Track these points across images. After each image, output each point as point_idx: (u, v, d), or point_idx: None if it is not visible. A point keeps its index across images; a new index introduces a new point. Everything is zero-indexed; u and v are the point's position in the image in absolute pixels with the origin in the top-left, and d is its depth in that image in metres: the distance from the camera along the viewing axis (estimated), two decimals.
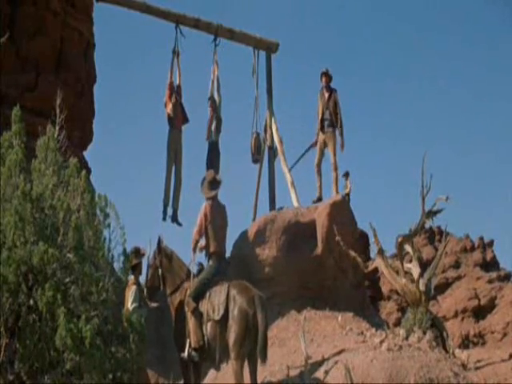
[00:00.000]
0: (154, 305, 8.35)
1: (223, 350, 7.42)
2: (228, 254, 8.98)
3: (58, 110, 7.40)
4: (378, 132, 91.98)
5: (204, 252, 8.31)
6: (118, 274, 6.56)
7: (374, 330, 9.16)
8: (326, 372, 7.65)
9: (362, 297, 10.82)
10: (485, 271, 38.84)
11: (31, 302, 5.76)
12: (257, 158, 12.04)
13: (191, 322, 7.69)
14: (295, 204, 11.23)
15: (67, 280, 5.92)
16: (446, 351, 8.60)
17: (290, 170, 11.70)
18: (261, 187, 12.01)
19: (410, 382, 7.30)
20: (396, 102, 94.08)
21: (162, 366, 13.41)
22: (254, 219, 11.29)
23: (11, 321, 5.77)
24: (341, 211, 10.25)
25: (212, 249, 8.17)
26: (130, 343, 5.98)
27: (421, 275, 9.28)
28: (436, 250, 33.27)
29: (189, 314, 7.75)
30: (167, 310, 8.52)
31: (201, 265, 8.32)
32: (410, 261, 9.60)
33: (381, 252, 9.58)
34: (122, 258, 6.41)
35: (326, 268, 9.97)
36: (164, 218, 11.15)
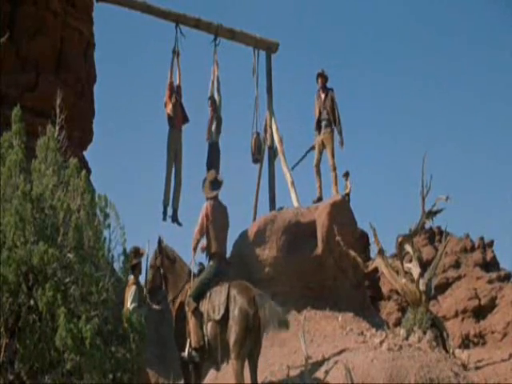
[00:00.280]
0: (156, 307, 8.34)
1: (223, 350, 7.41)
2: (228, 254, 8.97)
3: (58, 110, 7.39)
4: (378, 132, 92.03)
5: (205, 252, 8.31)
6: (118, 273, 6.56)
7: (374, 330, 9.16)
8: (327, 372, 7.65)
9: (362, 297, 10.82)
10: (485, 271, 38.85)
11: (31, 302, 5.76)
12: (257, 157, 12.03)
13: (191, 322, 7.69)
14: (295, 204, 11.23)
15: (67, 280, 5.92)
16: (447, 351, 8.60)
17: (291, 170, 11.70)
18: (261, 187, 12.01)
19: (410, 382, 7.30)
20: (396, 102, 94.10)
21: (162, 365, 13.43)
22: (254, 219, 11.28)
23: (11, 321, 5.77)
24: (341, 211, 10.25)
25: (213, 249, 8.17)
26: (130, 343, 5.98)
27: (421, 275, 9.28)
28: (436, 250, 33.29)
29: (189, 314, 7.75)
30: (167, 309, 8.52)
31: (201, 265, 8.32)
32: (410, 261, 9.60)
33: (381, 252, 9.58)
34: (121, 258, 6.41)
35: (326, 268, 9.97)
36: (164, 218, 11.14)
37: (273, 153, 11.92)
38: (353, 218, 10.60)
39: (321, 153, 11.30)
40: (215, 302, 7.56)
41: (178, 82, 11.58)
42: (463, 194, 65.73)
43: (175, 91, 11.48)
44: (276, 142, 11.83)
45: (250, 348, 7.32)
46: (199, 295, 7.76)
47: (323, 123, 11.26)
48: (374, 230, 9.66)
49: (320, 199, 11.04)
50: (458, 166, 78.63)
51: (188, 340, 7.74)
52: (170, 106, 11.29)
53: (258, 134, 12.10)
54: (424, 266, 9.96)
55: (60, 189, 6.37)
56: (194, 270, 8.26)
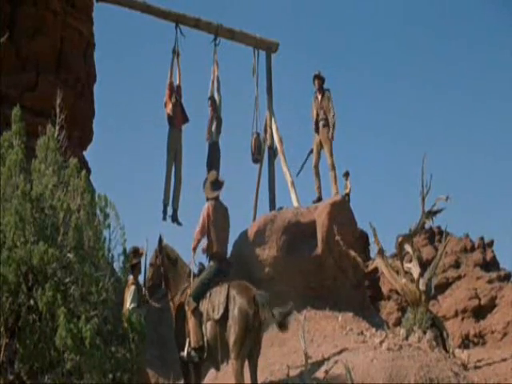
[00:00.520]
0: (156, 305, 8.35)
1: (223, 350, 7.42)
2: (228, 254, 8.98)
3: (58, 110, 7.38)
4: (378, 132, 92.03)
5: (205, 253, 8.31)
6: (117, 273, 6.56)
7: (374, 329, 9.17)
8: (327, 372, 7.65)
9: (362, 297, 10.82)
10: (485, 271, 38.87)
11: (31, 302, 5.76)
12: (257, 157, 12.03)
13: (191, 322, 7.70)
14: (295, 204, 11.23)
15: (67, 280, 5.91)
16: (446, 351, 8.60)
17: (296, 176, 11.70)
18: (261, 187, 12.01)
19: (410, 382, 7.30)
20: (396, 102, 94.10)
21: (162, 365, 13.43)
22: (254, 219, 11.28)
23: (11, 321, 5.77)
24: (341, 211, 10.26)
25: (213, 249, 8.17)
26: (130, 343, 5.98)
27: (421, 275, 9.29)
28: (436, 250, 33.30)
29: (189, 314, 7.75)
30: (167, 310, 8.53)
31: (202, 265, 8.32)
32: (410, 261, 9.60)
33: (381, 252, 9.59)
34: (121, 258, 6.40)
35: (326, 268, 9.97)
36: (164, 218, 11.14)
37: (273, 153, 11.92)
38: (353, 217, 10.60)
39: (319, 153, 11.30)
40: (215, 301, 7.56)
41: (178, 82, 11.58)
42: (463, 194, 65.81)
43: (175, 91, 11.48)
44: (276, 142, 11.83)
45: (249, 348, 7.32)
46: (199, 295, 7.77)
47: (321, 123, 11.27)
48: (374, 229, 9.67)
49: (320, 199, 11.04)
50: (458, 166, 78.69)
51: (187, 340, 7.74)
52: (170, 106, 11.30)
53: (258, 134, 12.10)
54: (424, 265, 9.97)
55: (60, 189, 6.37)
56: (194, 269, 8.26)
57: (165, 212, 11.15)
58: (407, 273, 9.45)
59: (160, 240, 8.33)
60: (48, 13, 18.38)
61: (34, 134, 7.22)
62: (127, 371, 5.89)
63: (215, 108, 11.64)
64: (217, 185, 8.51)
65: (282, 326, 7.17)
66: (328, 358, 7.96)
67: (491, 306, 36.33)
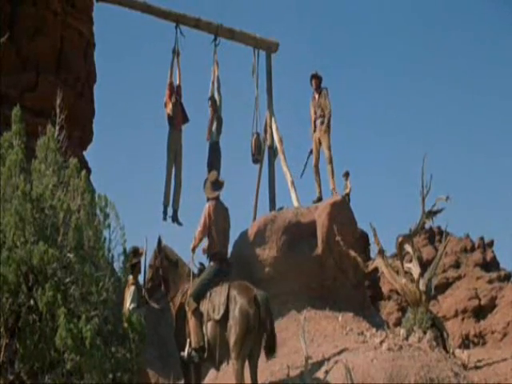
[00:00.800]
0: (155, 305, 8.34)
1: (223, 350, 7.42)
2: (228, 254, 8.98)
3: (58, 110, 7.38)
4: (378, 132, 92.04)
5: (206, 253, 8.31)
6: (117, 273, 6.56)
7: (374, 329, 9.16)
8: (327, 372, 7.65)
9: (362, 297, 10.81)
10: (485, 271, 38.88)
11: (31, 302, 5.76)
12: (257, 158, 12.03)
13: (191, 323, 7.69)
14: (295, 204, 11.23)
15: (67, 280, 5.91)
16: (447, 351, 8.60)
17: (300, 178, 11.71)
18: (261, 187, 12.01)
19: (410, 382, 7.30)
20: (396, 102, 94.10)
21: (163, 366, 13.43)
22: (254, 219, 11.28)
23: (11, 321, 5.77)
24: (341, 211, 10.25)
25: (214, 250, 8.18)
26: (130, 343, 5.98)
27: (421, 275, 9.28)
28: (436, 250, 33.30)
29: (189, 314, 7.75)
30: (167, 310, 8.53)
31: (202, 265, 8.32)
32: (410, 261, 9.60)
33: (381, 252, 9.59)
34: (121, 258, 6.40)
35: (326, 268, 9.97)
36: (164, 218, 11.14)
37: (273, 153, 11.92)
38: (353, 217, 10.60)
39: (319, 152, 11.30)
40: (215, 301, 7.56)
41: (178, 81, 11.58)
42: (463, 194, 65.81)
43: (175, 91, 11.48)
44: (276, 142, 11.83)
45: (250, 348, 7.33)
46: (199, 295, 7.77)
47: (318, 121, 11.28)
48: (374, 230, 9.67)
49: (320, 199, 11.04)
50: (458, 166, 78.68)
51: (188, 340, 7.74)
52: (170, 106, 11.29)
53: (258, 134, 12.10)
54: (424, 265, 9.96)
55: (60, 189, 6.37)
56: (194, 269, 8.26)
57: (165, 212, 11.15)
58: (407, 273, 9.45)
59: (159, 241, 8.33)
60: (48, 13, 18.37)
61: (34, 134, 7.22)
62: (127, 371, 5.89)
63: (215, 108, 11.63)
64: (217, 185, 8.52)
65: (270, 352, 7.26)
66: (328, 358, 7.95)
67: (491, 306, 36.34)
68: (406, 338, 8.73)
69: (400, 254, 9.62)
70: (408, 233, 9.62)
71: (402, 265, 9.49)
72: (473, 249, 40.38)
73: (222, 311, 7.44)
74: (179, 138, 11.37)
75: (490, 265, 39.67)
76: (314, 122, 11.35)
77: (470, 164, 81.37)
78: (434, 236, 40.36)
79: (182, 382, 8.42)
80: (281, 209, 11.06)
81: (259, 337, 7.40)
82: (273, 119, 12.03)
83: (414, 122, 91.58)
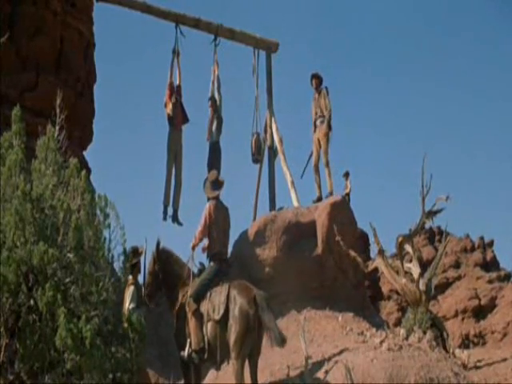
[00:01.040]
0: (153, 307, 8.33)
1: (223, 350, 7.42)
2: (228, 254, 8.98)
3: (58, 110, 7.38)
4: (378, 132, 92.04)
5: (206, 252, 8.31)
6: (117, 273, 6.56)
7: (374, 329, 9.16)
8: (327, 372, 7.65)
9: (362, 297, 10.81)
10: (485, 271, 38.85)
11: (31, 302, 5.76)
12: (257, 158, 12.04)
13: (192, 323, 7.69)
14: (295, 204, 11.23)
15: (67, 280, 5.91)
16: (446, 351, 8.61)
17: (300, 178, 11.71)
18: (261, 187, 12.01)
19: (410, 382, 7.30)
20: (396, 102, 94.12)
21: (162, 365, 13.42)
22: (254, 219, 11.28)
23: (11, 321, 5.77)
24: (341, 211, 10.25)
25: (214, 250, 8.17)
26: (130, 343, 5.98)
27: (421, 275, 9.29)
28: (436, 250, 33.27)
29: (189, 315, 7.75)
30: (167, 310, 8.52)
31: (202, 265, 8.31)
32: (410, 261, 9.61)
33: (381, 252, 9.59)
34: (121, 258, 6.40)
35: (326, 268, 9.97)
36: (164, 218, 11.14)
37: (273, 153, 11.92)
38: (353, 217, 10.59)
39: (319, 152, 11.31)
40: (215, 301, 7.56)
41: (178, 82, 11.58)
42: (463, 194, 65.78)
43: (175, 91, 11.48)
44: (276, 142, 11.83)
45: (250, 348, 7.32)
46: (199, 296, 7.77)
47: (318, 121, 11.30)
48: (374, 230, 9.68)
49: (320, 199, 11.04)
50: (458, 166, 78.66)
51: (188, 340, 7.74)
52: (170, 106, 11.29)
53: (258, 134, 12.11)
54: (424, 265, 9.97)
55: (60, 189, 6.36)
56: (193, 268, 8.25)
57: (165, 212, 11.15)
58: (407, 273, 9.46)
59: (158, 244, 8.30)
60: (48, 13, 18.37)
61: (34, 134, 7.22)
62: (127, 371, 5.89)
63: (216, 108, 11.63)
64: (217, 184, 8.52)
65: (279, 341, 7.19)
66: (328, 358, 7.95)
67: (491, 306, 36.31)
68: (406, 338, 8.73)
69: (400, 254, 9.62)
70: (408, 233, 9.62)
71: (402, 265, 9.49)
72: (473, 249, 40.36)
73: (221, 311, 7.44)
74: (179, 138, 11.37)
75: (490, 265, 39.64)
76: (315, 122, 11.36)
77: (470, 164, 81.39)
78: (434, 236, 40.33)
79: (182, 382, 8.42)
80: (281, 209, 11.06)
81: (259, 336, 7.40)
82: (273, 119, 12.03)
83: (414, 122, 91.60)
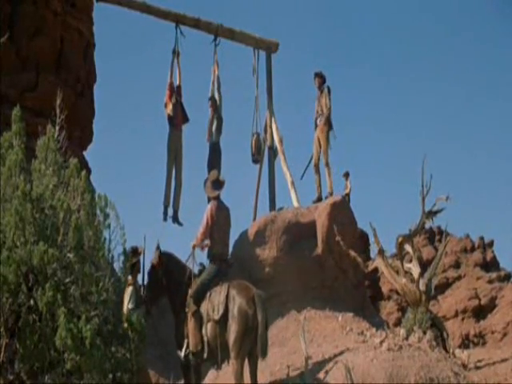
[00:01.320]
0: (154, 309, 8.31)
1: (223, 350, 7.42)
2: (228, 255, 8.97)
3: (58, 110, 7.38)
4: (378, 132, 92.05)
5: (206, 252, 8.31)
6: (117, 273, 6.56)
7: (374, 329, 9.16)
8: (327, 372, 7.65)
9: (362, 297, 10.81)
10: (485, 271, 38.83)
11: (31, 302, 5.76)
12: (257, 158, 12.04)
13: (190, 324, 7.70)
14: (295, 204, 11.23)
15: (67, 280, 5.91)
16: (446, 351, 8.61)
17: (300, 179, 11.72)
18: (261, 187, 12.02)
19: (410, 382, 7.30)
20: (396, 102, 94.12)
21: (163, 365, 13.41)
22: (254, 219, 11.28)
23: (11, 321, 5.77)
24: (341, 211, 10.25)
25: (215, 250, 8.17)
26: (130, 343, 5.98)
27: (421, 275, 9.29)
28: (436, 250, 33.25)
29: (189, 316, 7.75)
30: (167, 310, 8.52)
31: (202, 265, 8.31)
32: (410, 261, 9.61)
33: (381, 252, 9.59)
34: (121, 258, 6.40)
35: (326, 268, 9.97)
36: (165, 219, 11.14)
37: (273, 153, 11.92)
38: (353, 218, 10.60)
39: (318, 151, 11.30)
40: (215, 302, 7.57)
41: (178, 82, 11.58)
42: (463, 194, 65.75)
43: (175, 91, 11.48)
44: (276, 142, 11.84)
45: (249, 347, 7.32)
46: (199, 297, 7.77)
47: (318, 120, 11.30)
48: (374, 230, 9.68)
49: (320, 199, 11.05)
50: (458, 166, 78.62)
51: (186, 341, 7.74)
52: (170, 106, 11.29)
53: (258, 134, 12.12)
54: (424, 266, 9.97)
55: (60, 189, 6.37)
56: (191, 266, 8.23)
57: (165, 213, 11.15)
58: (407, 273, 9.46)
59: (158, 248, 8.26)
60: (48, 13, 18.35)
61: (34, 134, 7.22)
62: (127, 371, 5.89)
63: (216, 108, 11.64)
64: (217, 184, 8.51)
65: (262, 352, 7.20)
66: (328, 358, 7.95)
67: (491, 306, 36.30)
68: (406, 338, 8.73)
69: (400, 254, 9.62)
70: (408, 233, 9.62)
71: (402, 265, 9.49)
72: (473, 249, 40.34)
73: (221, 311, 7.45)
74: (179, 138, 11.37)
75: (490, 265, 39.62)
76: (315, 120, 11.37)
77: (470, 164, 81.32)
78: (434, 236, 40.31)
79: (182, 382, 8.42)
80: (281, 209, 11.06)
81: (255, 331, 7.38)
82: (273, 119, 12.04)
83: (414, 122, 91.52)
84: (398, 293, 14.22)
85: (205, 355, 7.62)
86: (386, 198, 79.01)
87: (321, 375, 7.66)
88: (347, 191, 15.55)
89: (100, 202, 6.33)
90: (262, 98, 12.26)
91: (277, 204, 11.70)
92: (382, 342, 8.22)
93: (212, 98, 11.70)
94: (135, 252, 8.17)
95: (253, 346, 7.34)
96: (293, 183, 11.53)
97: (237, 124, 14.87)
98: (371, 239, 11.36)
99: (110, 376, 5.74)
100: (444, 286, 37.59)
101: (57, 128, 7.11)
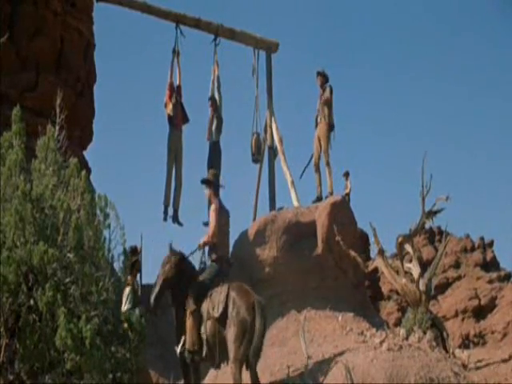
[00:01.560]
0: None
1: (222, 349, 7.42)
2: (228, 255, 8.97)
3: (58, 110, 7.39)
4: (378, 132, 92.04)
5: (207, 251, 8.30)
6: (117, 273, 6.56)
7: (374, 329, 9.16)
8: (327, 372, 7.64)
9: (362, 297, 10.81)
10: (485, 271, 38.83)
11: (31, 302, 5.76)
12: (257, 158, 12.04)
13: (189, 323, 7.68)
14: (295, 204, 11.22)
15: (67, 280, 5.92)
16: (446, 351, 8.60)
17: (299, 178, 11.71)
18: (261, 187, 12.01)
19: (410, 382, 7.30)
20: (396, 102, 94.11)
21: (163, 365, 13.41)
22: (254, 219, 11.28)
23: (11, 321, 5.77)
24: (341, 211, 10.25)
25: (218, 252, 8.17)
26: (130, 343, 5.98)
27: (421, 275, 9.28)
28: (436, 250, 33.26)
29: (188, 314, 7.74)
30: (167, 310, 8.51)
31: (203, 263, 8.30)
32: (410, 261, 9.60)
33: (381, 252, 9.58)
34: (121, 258, 6.41)
35: (326, 268, 9.97)
36: (165, 219, 11.14)
37: (273, 153, 11.92)
38: (353, 217, 10.59)
39: (319, 150, 11.29)
40: (215, 300, 7.57)
41: (178, 82, 11.57)
42: (463, 194, 65.74)
43: (175, 91, 11.47)
44: (276, 142, 11.83)
45: (247, 352, 7.30)
46: (200, 296, 7.76)
47: (319, 118, 11.28)
48: (374, 230, 9.66)
49: (320, 199, 11.04)
50: (458, 166, 78.60)
51: (183, 338, 7.73)
52: (170, 106, 11.28)
53: (257, 134, 12.11)
54: (424, 265, 9.96)
55: (60, 189, 6.37)
56: (194, 262, 8.23)
57: (165, 213, 11.14)
58: (407, 273, 9.45)
59: (172, 248, 8.17)
60: (48, 13, 18.35)
61: (34, 134, 7.22)
62: (127, 371, 5.90)
63: (216, 108, 11.64)
64: (205, 181, 8.59)
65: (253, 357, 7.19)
66: (328, 358, 7.95)
67: (491, 306, 36.30)
68: (406, 338, 8.73)
69: (400, 254, 9.61)
70: (408, 233, 9.62)
71: (402, 265, 9.48)
72: (473, 249, 40.34)
73: (221, 310, 7.44)
74: (179, 138, 11.36)
75: (490, 265, 39.62)
76: (316, 118, 11.35)
77: (470, 164, 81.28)
78: (434, 236, 40.30)
79: (182, 382, 8.42)
80: (281, 209, 11.06)
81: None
82: (273, 119, 12.03)
83: (414, 122, 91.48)
84: (397, 293, 14.22)
85: (203, 353, 7.62)
86: (386, 198, 79.03)
87: (321, 375, 7.66)
88: (347, 191, 15.55)
89: (100, 202, 6.33)
90: (262, 97, 12.27)
91: (277, 204, 11.71)
92: (382, 342, 8.22)
93: (212, 98, 11.70)
94: (134, 251, 8.17)
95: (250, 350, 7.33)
96: (293, 183, 11.52)
97: (237, 124, 14.87)
98: (371, 239, 11.38)
99: (110, 376, 5.75)
100: (444, 286, 37.60)
101: (57, 128, 7.11)
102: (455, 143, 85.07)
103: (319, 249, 9.91)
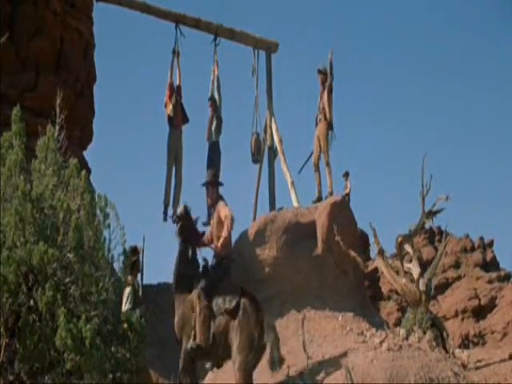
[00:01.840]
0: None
1: (225, 349, 7.42)
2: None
3: (58, 110, 7.38)
4: (378, 132, 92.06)
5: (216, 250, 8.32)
6: (117, 273, 6.56)
7: (374, 330, 9.16)
8: (327, 372, 7.64)
9: (362, 297, 10.81)
10: (485, 271, 38.84)
11: (31, 302, 5.76)
12: (257, 158, 12.04)
13: (199, 319, 7.63)
14: (295, 204, 11.23)
15: (67, 280, 5.91)
16: (446, 351, 8.60)
17: (298, 174, 11.70)
18: (261, 187, 12.02)
19: (410, 382, 7.30)
20: (396, 102, 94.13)
21: (162, 366, 13.42)
22: (254, 219, 11.28)
23: (11, 321, 5.77)
24: (341, 211, 10.25)
25: (223, 254, 8.19)
26: (130, 343, 5.98)
27: (421, 275, 9.28)
28: (436, 250, 33.27)
29: (198, 310, 7.68)
30: (167, 310, 8.51)
31: (205, 260, 8.30)
32: (410, 261, 9.60)
33: (381, 252, 9.58)
34: (121, 258, 6.41)
35: (326, 268, 9.96)
36: (165, 219, 11.15)
37: (273, 153, 11.92)
38: (353, 217, 10.59)
39: (318, 149, 11.27)
40: (226, 297, 7.56)
41: (178, 82, 11.58)
42: (463, 194, 65.73)
43: (175, 91, 11.48)
44: (276, 142, 11.84)
45: (254, 364, 7.30)
46: (209, 291, 7.74)
47: (319, 117, 11.26)
48: (374, 230, 9.67)
49: (320, 199, 11.03)
50: (458, 166, 78.61)
51: (193, 332, 7.67)
52: (170, 107, 11.29)
53: (257, 134, 12.12)
54: (424, 266, 9.96)
55: (60, 189, 6.37)
56: (200, 260, 8.27)
57: (165, 213, 11.15)
58: (407, 273, 9.45)
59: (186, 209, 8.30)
60: (48, 13, 18.36)
61: (34, 134, 7.21)
62: (127, 371, 5.89)
63: (215, 108, 11.64)
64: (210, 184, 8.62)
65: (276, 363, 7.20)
66: (328, 358, 7.95)
67: (491, 306, 36.31)
68: (406, 338, 8.73)
69: (400, 254, 9.61)
70: (408, 233, 9.62)
71: (402, 265, 9.48)
72: (473, 249, 40.35)
73: (233, 304, 7.44)
74: (179, 139, 11.38)
75: (490, 265, 39.63)
76: (316, 117, 11.32)
77: (471, 164, 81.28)
78: (434, 236, 40.31)
79: (183, 380, 8.38)
80: (281, 209, 11.06)
81: (260, 353, 7.37)
82: (273, 119, 12.04)
83: (415, 122, 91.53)
84: (397, 293, 14.22)
85: (207, 348, 7.57)
86: (386, 198, 79.00)
87: (321, 375, 7.66)
88: (347, 191, 15.54)
89: (100, 202, 6.33)
90: (262, 98, 12.28)
91: (277, 204, 11.71)
92: (381, 342, 8.22)
93: (212, 98, 11.70)
94: (134, 251, 8.16)
95: (258, 362, 7.33)
96: (293, 183, 11.53)
97: (237, 124, 14.87)
98: (371, 239, 11.36)
99: (110, 376, 5.74)
100: (444, 286, 37.61)
101: (57, 128, 7.10)
102: (455, 143, 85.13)
103: (319, 249, 9.91)
